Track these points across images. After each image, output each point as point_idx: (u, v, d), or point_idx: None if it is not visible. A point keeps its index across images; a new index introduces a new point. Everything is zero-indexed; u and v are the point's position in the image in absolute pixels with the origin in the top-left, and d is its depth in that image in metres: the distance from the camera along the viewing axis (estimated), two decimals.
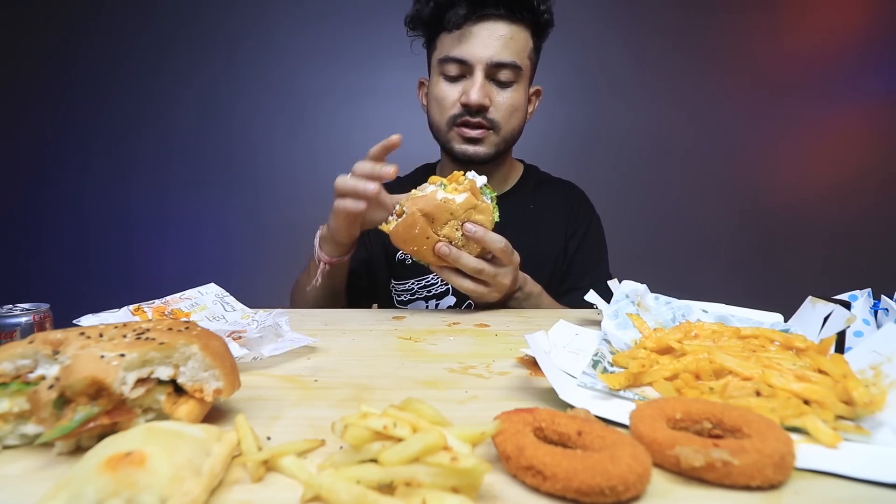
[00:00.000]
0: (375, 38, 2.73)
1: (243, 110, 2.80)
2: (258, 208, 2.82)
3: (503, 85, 1.09)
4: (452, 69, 1.08)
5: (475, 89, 1.05)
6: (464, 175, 0.88)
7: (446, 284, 1.13)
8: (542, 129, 2.70)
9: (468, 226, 0.84)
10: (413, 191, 0.87)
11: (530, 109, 1.22)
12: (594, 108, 2.74)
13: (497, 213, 0.89)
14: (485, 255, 0.89)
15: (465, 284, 0.89)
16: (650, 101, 2.74)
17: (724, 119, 2.75)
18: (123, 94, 2.80)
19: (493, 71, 1.06)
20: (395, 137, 0.88)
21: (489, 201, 0.88)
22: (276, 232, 2.79)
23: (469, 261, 0.86)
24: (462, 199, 0.84)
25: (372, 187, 0.86)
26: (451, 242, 0.85)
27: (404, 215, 0.84)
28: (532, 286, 1.01)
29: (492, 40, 1.05)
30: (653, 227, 2.75)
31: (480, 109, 1.07)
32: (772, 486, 0.32)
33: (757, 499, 0.31)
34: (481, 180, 0.88)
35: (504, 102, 1.09)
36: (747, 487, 0.31)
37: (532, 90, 1.20)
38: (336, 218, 0.93)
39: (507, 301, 0.99)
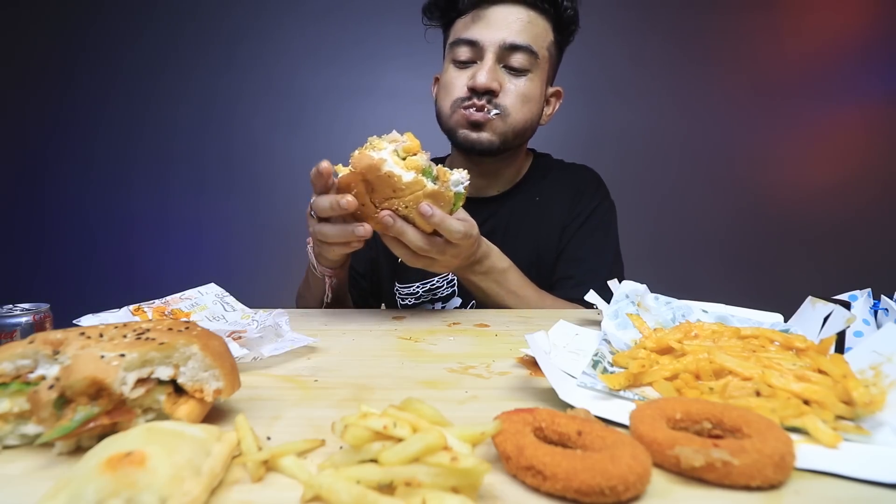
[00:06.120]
0: (375, 38, 2.73)
1: (243, 110, 2.80)
2: (258, 208, 2.82)
3: (516, 72, 1.02)
4: (463, 52, 1.02)
5: (483, 71, 0.99)
6: (450, 172, 0.76)
7: (452, 286, 1.09)
8: (542, 129, 2.71)
9: (424, 207, 0.72)
10: (369, 143, 0.73)
11: (549, 111, 1.16)
12: (594, 109, 2.73)
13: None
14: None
15: (408, 259, 0.80)
16: (650, 102, 2.74)
17: (724, 119, 2.75)
18: (123, 93, 2.80)
19: (505, 55, 1.01)
20: (323, 165, 0.74)
21: (459, 190, 0.77)
22: (276, 232, 2.79)
23: (414, 238, 0.75)
24: (410, 179, 0.70)
25: (361, 231, 0.74)
26: (394, 211, 0.74)
27: (348, 169, 0.72)
28: (498, 261, 0.92)
29: (507, 23, 1.00)
30: (653, 228, 2.75)
31: (487, 92, 1.00)
32: (772, 486, 0.32)
33: (757, 499, 0.31)
34: (458, 177, 0.77)
35: (515, 90, 1.02)
36: (747, 487, 0.31)
37: (551, 91, 1.15)
38: (331, 254, 0.84)
39: (462, 272, 0.91)
